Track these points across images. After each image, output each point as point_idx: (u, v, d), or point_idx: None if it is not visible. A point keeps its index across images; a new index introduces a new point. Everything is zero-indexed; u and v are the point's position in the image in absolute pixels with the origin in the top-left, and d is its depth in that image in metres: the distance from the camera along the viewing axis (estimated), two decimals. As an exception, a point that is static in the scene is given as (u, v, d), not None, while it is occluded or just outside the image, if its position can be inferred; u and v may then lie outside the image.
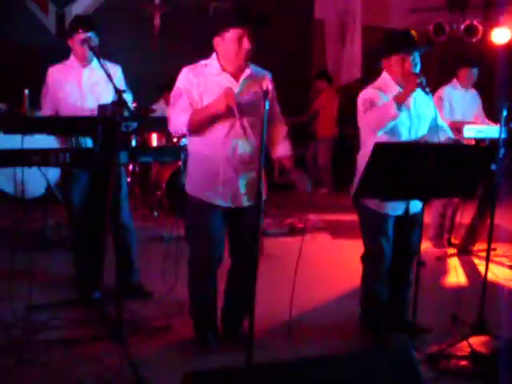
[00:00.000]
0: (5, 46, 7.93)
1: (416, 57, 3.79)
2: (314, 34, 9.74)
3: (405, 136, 3.81)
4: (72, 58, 4.46)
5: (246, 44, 3.45)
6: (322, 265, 5.70)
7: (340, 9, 9.16)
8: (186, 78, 3.57)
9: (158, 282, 4.39)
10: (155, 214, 7.26)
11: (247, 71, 3.58)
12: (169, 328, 4.05)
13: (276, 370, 2.44)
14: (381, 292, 3.97)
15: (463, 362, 3.69)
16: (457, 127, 5.56)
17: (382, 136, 3.71)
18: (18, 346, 3.66)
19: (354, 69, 9.06)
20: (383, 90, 3.84)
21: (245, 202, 3.66)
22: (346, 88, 9.16)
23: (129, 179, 7.54)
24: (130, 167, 7.52)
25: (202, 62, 3.63)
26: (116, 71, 4.49)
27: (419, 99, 3.85)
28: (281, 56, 8.97)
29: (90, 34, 4.25)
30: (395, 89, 3.81)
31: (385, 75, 3.90)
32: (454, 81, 6.18)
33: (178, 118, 3.54)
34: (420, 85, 3.63)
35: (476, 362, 3.67)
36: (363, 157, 3.73)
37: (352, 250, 5.56)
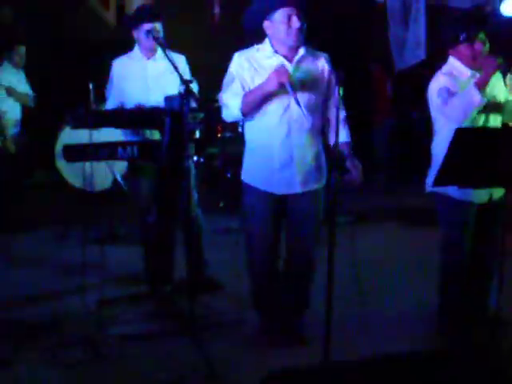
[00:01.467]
0: (68, 43, 8.02)
1: (483, 37, 3.59)
2: (374, 19, 9.49)
3: (481, 121, 3.63)
4: (136, 49, 4.43)
5: (296, 23, 3.37)
6: (390, 255, 5.52)
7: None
8: (237, 62, 3.52)
9: (229, 275, 4.34)
10: (221, 204, 7.21)
11: (300, 52, 3.48)
12: (241, 321, 3.98)
13: (356, 367, 2.34)
14: (462, 283, 3.80)
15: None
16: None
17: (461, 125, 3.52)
18: (92, 340, 3.66)
19: (419, 50, 8.77)
20: (455, 75, 3.65)
21: (300, 189, 3.56)
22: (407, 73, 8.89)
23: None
24: (195, 158, 7.50)
25: (255, 47, 3.56)
26: (181, 61, 4.44)
27: (492, 82, 3.64)
28: (340, 40, 8.81)
29: (155, 25, 4.21)
30: (467, 73, 3.63)
31: (453, 60, 3.70)
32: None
33: (231, 102, 3.47)
34: (500, 66, 3.44)
35: None
36: (438, 145, 3.59)
37: (419, 239, 5.43)
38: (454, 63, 3.70)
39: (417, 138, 8.26)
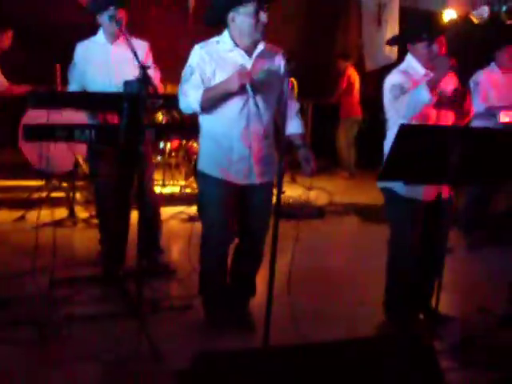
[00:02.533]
0: (39, 24, 7.98)
1: (442, 39, 3.68)
2: (350, 14, 9.60)
3: (433, 121, 3.71)
4: (100, 33, 4.45)
5: (264, 17, 3.41)
6: (346, 249, 5.62)
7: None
8: (198, 54, 3.52)
9: (183, 261, 4.38)
10: (184, 193, 7.24)
11: (260, 47, 3.53)
12: (189, 307, 4.04)
13: (286, 352, 2.40)
14: (406, 279, 3.89)
15: (486, 354, 3.60)
16: (493, 113, 5.43)
17: (410, 121, 3.61)
18: (40, 320, 3.69)
19: (391, 53, 8.88)
20: (410, 73, 3.74)
21: (257, 180, 3.62)
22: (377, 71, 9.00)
23: (159, 157, 7.58)
24: (161, 145, 7.52)
25: (214, 39, 3.58)
26: (143, 47, 4.47)
27: (447, 82, 3.73)
28: (316, 36, 8.92)
29: (117, 11, 4.23)
30: (421, 71, 3.71)
31: (410, 58, 3.78)
32: (492, 64, 5.99)
33: (190, 95, 3.49)
34: (452, 67, 3.52)
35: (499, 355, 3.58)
36: (390, 142, 3.67)
37: (372, 235, 5.53)
38: (410, 61, 3.78)
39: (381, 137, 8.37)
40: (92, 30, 4.50)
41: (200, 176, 3.73)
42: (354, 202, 7.31)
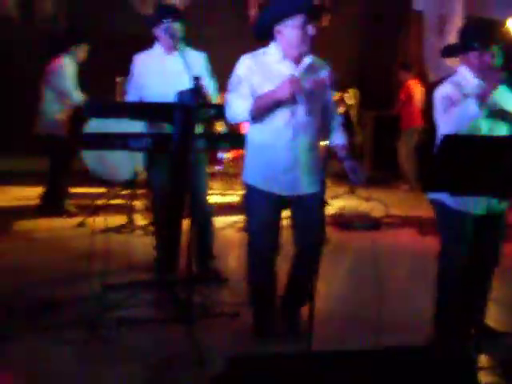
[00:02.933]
0: (105, 39, 8.26)
1: (497, 50, 3.60)
2: (411, 25, 9.52)
3: (485, 130, 3.64)
4: (156, 46, 4.58)
5: (312, 30, 3.44)
6: (402, 261, 5.57)
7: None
8: (246, 65, 3.57)
9: (235, 269, 4.44)
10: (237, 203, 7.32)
11: (307, 60, 3.56)
12: (238, 314, 4.07)
13: (322, 357, 2.42)
14: (456, 293, 3.82)
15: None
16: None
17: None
18: (92, 322, 3.83)
19: (454, 62, 8.75)
20: (461, 84, 3.68)
21: (303, 191, 3.64)
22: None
23: (219, 167, 7.70)
24: (219, 155, 7.64)
25: (261, 50, 3.62)
26: (200, 59, 4.57)
27: (501, 96, 3.63)
28: (377, 47, 8.90)
29: (173, 23, 4.35)
30: (474, 83, 3.65)
31: (462, 68, 3.70)
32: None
33: (238, 105, 3.54)
34: (503, 81, 3.45)
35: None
36: None
37: (427, 248, 5.44)
38: (463, 72, 3.71)
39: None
40: (150, 42, 4.64)
41: (246, 187, 3.78)
42: (411, 215, 7.22)
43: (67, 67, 6.25)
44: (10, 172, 8.13)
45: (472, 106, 3.40)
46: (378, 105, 9.17)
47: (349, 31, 9.38)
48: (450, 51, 4.19)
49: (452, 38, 8.54)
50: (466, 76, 3.67)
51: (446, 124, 3.58)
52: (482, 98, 3.44)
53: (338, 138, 3.73)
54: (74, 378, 3.28)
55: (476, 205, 3.64)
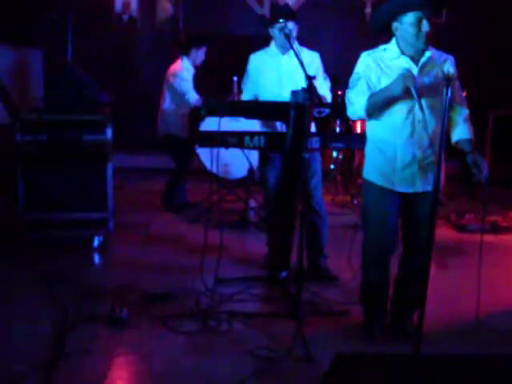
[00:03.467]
0: (222, 39, 8.45)
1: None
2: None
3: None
4: (272, 45, 4.65)
5: (426, 26, 3.39)
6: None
7: None
8: (364, 62, 3.59)
9: (345, 268, 4.44)
10: (355, 202, 7.28)
11: (427, 54, 3.51)
12: (346, 313, 4.09)
13: (426, 361, 2.39)
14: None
15: None
16: None
17: None
18: (204, 314, 3.97)
19: None
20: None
21: (421, 188, 3.59)
22: None
23: (332, 166, 7.69)
24: (334, 154, 7.64)
25: (381, 47, 3.62)
26: (314, 58, 4.61)
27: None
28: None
29: (286, 23, 4.40)
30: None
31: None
32: None
33: (356, 102, 3.56)
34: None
35: None
36: None
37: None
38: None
39: None
40: (266, 42, 4.73)
41: (364, 183, 3.78)
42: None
43: (186, 69, 6.45)
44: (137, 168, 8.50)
45: None
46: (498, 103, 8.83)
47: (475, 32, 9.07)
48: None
49: None
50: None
51: None
52: None
53: (462, 133, 3.61)
54: (184, 367, 3.40)
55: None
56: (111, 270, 4.93)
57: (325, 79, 4.67)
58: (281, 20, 4.39)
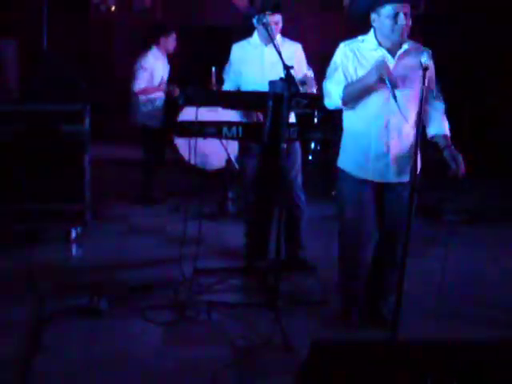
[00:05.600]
0: (200, 30, 8.42)
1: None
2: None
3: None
4: (255, 35, 4.64)
5: (402, 20, 3.39)
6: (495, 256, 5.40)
7: None
8: (342, 52, 3.59)
9: (324, 258, 4.46)
10: (333, 193, 7.28)
11: (404, 47, 3.52)
12: (325, 303, 4.11)
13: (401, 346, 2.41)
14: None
15: None
16: None
17: None
18: (183, 305, 3.96)
19: None
20: None
21: (394, 178, 3.61)
22: None
23: (310, 157, 7.69)
24: (312, 145, 7.63)
25: (359, 38, 3.62)
26: (296, 49, 4.63)
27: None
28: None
29: (269, 15, 4.38)
30: None
31: None
32: None
33: (333, 92, 3.57)
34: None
35: None
36: None
37: None
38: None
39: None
40: (247, 32, 4.71)
41: (339, 173, 3.79)
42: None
43: (149, 58, 6.43)
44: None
45: None
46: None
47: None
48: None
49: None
50: None
51: None
52: None
53: (439, 127, 3.63)
54: (162, 357, 3.40)
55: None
56: (89, 262, 4.88)
57: (308, 70, 4.68)
58: (264, 12, 4.38)
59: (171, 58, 6.63)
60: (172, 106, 6.14)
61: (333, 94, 3.59)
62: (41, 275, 4.40)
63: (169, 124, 6.43)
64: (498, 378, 2.48)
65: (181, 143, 6.29)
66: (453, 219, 6.33)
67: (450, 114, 3.71)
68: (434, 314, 3.83)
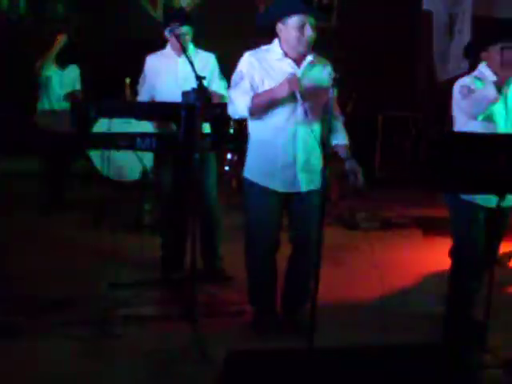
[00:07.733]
0: (115, 40, 8.30)
1: None
2: (421, 26, 9.48)
3: (501, 127, 3.67)
4: (168, 47, 4.63)
5: (308, 31, 3.47)
6: (407, 261, 5.56)
7: (450, -1, 8.85)
8: (248, 61, 3.62)
9: (240, 268, 4.46)
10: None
11: (309, 58, 3.59)
12: (242, 312, 4.11)
13: (316, 353, 2.44)
14: (473, 291, 3.80)
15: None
16: None
17: (477, 124, 3.60)
18: (99, 319, 3.88)
19: (463, 62, 8.71)
20: (480, 78, 3.72)
21: (302, 188, 3.67)
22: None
23: (227, 168, 7.71)
24: (229, 156, 7.66)
25: (264, 48, 3.67)
26: (210, 60, 4.64)
27: None
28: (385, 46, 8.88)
29: (180, 27, 4.40)
30: (493, 78, 3.66)
31: (482, 65, 3.76)
32: None
33: (239, 101, 3.58)
34: None
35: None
36: None
37: (442, 248, 5.42)
38: (482, 68, 3.76)
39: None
40: (160, 44, 4.69)
41: (245, 183, 3.81)
42: (421, 215, 7.18)
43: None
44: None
45: (492, 91, 3.47)
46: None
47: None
48: (470, 48, 4.15)
49: (462, 37, 8.53)
50: (484, 72, 3.72)
51: (464, 110, 3.62)
52: (500, 82, 3.53)
53: (340, 138, 3.75)
54: (76, 372, 3.33)
55: (483, 198, 3.64)
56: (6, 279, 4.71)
57: (220, 80, 4.69)
58: (174, 24, 4.38)
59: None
60: (83, 117, 6.04)
61: (238, 104, 3.59)
62: None
63: (81, 136, 6.32)
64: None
65: (95, 155, 6.19)
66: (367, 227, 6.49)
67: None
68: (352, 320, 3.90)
